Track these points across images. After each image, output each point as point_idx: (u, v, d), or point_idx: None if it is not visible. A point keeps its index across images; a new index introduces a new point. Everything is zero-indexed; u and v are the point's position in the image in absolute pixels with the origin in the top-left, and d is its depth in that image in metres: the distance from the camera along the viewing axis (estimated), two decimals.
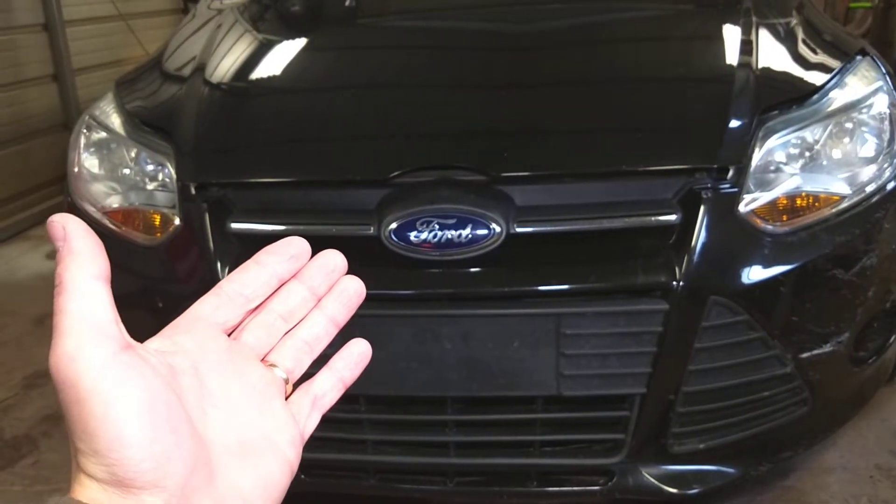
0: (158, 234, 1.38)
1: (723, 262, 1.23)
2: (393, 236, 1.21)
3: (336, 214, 1.28)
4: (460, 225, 1.20)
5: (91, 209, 1.46)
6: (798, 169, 1.31)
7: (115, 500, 0.33)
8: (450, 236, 1.20)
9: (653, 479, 1.31)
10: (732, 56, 1.44)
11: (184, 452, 0.34)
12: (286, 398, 0.42)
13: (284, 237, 0.45)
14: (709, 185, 1.24)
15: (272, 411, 0.40)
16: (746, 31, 1.51)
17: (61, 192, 1.65)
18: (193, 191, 1.34)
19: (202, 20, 1.93)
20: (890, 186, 1.33)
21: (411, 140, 1.41)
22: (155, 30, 4.34)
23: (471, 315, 1.23)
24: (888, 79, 1.45)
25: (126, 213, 1.43)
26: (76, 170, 1.52)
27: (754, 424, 1.32)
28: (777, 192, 1.27)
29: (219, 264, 1.28)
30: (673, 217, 1.22)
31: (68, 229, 0.35)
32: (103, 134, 1.53)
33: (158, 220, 1.39)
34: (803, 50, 1.53)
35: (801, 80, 1.43)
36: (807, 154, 1.32)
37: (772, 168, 1.29)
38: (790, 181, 1.29)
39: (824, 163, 1.32)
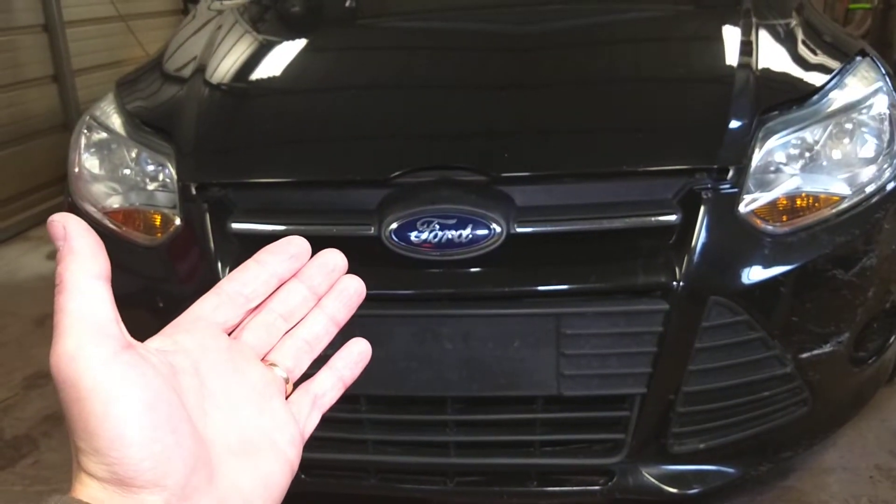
0: (159, 235, 1.38)
1: (723, 262, 1.23)
2: (393, 236, 1.21)
3: (337, 214, 1.28)
4: (461, 225, 1.20)
5: (92, 209, 1.46)
6: (798, 169, 1.31)
7: (116, 499, 0.33)
8: (450, 236, 1.20)
9: (653, 479, 1.31)
10: (732, 57, 1.45)
11: (184, 451, 0.34)
12: (286, 397, 0.42)
13: (285, 237, 0.45)
14: (709, 186, 1.24)
15: (272, 411, 0.40)
16: (746, 32, 1.51)
17: (61, 193, 1.65)
18: (194, 191, 1.34)
19: (202, 21, 1.93)
20: (890, 187, 1.33)
21: (412, 140, 1.41)
22: (155, 31, 4.34)
23: (471, 315, 1.23)
24: (888, 79, 1.45)
25: (127, 213, 1.43)
26: (77, 170, 1.52)
27: (754, 424, 1.32)
28: (777, 193, 1.28)
29: (219, 264, 1.28)
30: (673, 217, 1.22)
31: (69, 229, 0.35)
32: (104, 134, 1.54)
33: (159, 220, 1.39)
34: (803, 51, 1.53)
35: (801, 80, 1.43)
36: (807, 154, 1.32)
37: (772, 168, 1.29)
38: (790, 182, 1.29)
39: (824, 163, 1.32)
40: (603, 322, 1.21)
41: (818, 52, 1.54)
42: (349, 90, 1.57)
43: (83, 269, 0.34)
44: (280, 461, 0.39)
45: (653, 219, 1.22)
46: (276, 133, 1.46)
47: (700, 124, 1.35)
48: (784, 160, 1.30)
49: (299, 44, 1.78)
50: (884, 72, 1.47)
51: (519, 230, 1.21)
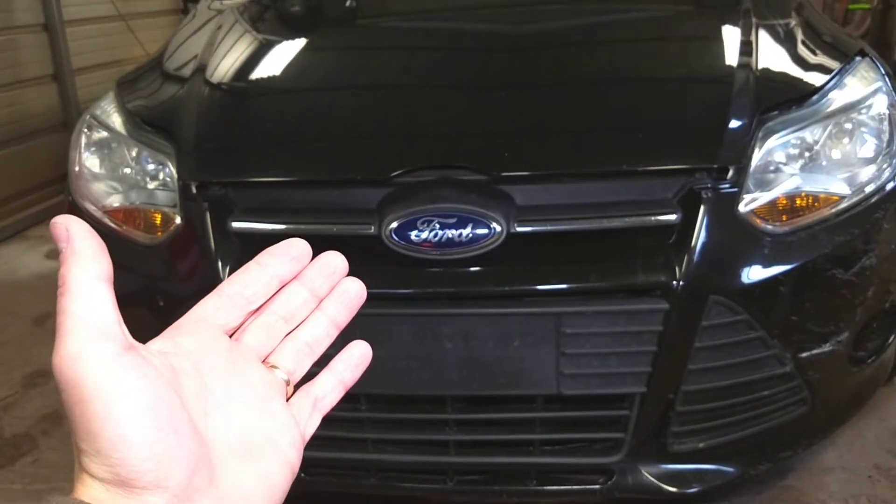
0: (159, 234, 1.38)
1: (723, 261, 1.23)
2: (394, 235, 1.21)
3: (337, 214, 1.28)
4: (461, 224, 1.20)
5: (92, 208, 1.47)
6: (798, 169, 1.31)
7: (118, 499, 0.33)
8: (450, 235, 1.20)
9: (652, 478, 1.31)
10: (732, 57, 1.45)
11: (186, 452, 0.34)
12: (287, 399, 0.42)
13: (285, 236, 0.45)
14: (709, 185, 1.24)
15: (273, 412, 0.40)
16: (746, 32, 1.51)
17: (61, 192, 1.65)
18: (194, 190, 1.34)
19: (202, 20, 1.93)
20: (889, 187, 1.33)
21: (412, 140, 1.41)
22: (155, 30, 4.34)
23: (471, 314, 1.23)
24: (887, 80, 1.45)
25: (127, 212, 1.43)
26: (77, 169, 1.53)
27: (754, 424, 1.33)
28: (777, 193, 1.28)
29: (220, 263, 1.28)
30: (673, 217, 1.22)
31: (71, 230, 0.35)
32: (104, 133, 1.54)
33: (159, 219, 1.39)
34: (803, 51, 1.53)
35: (800, 80, 1.43)
36: (806, 154, 1.32)
37: (771, 168, 1.29)
38: (790, 181, 1.29)
39: (824, 163, 1.32)
40: (603, 321, 1.21)
41: (818, 52, 1.54)
42: (349, 89, 1.57)
43: (85, 270, 0.34)
44: (281, 463, 0.39)
45: (653, 218, 1.22)
46: (277, 132, 1.46)
47: (700, 124, 1.36)
48: (784, 160, 1.30)
49: (299, 43, 1.78)
50: (883, 72, 1.47)
51: (519, 229, 1.21)
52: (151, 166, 1.44)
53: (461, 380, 1.25)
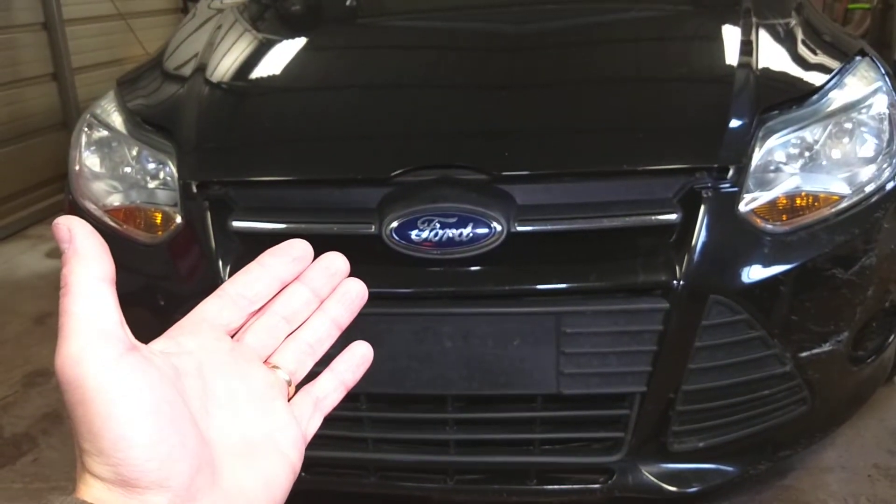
0: (160, 233, 1.38)
1: (723, 261, 1.24)
2: (394, 235, 1.21)
3: (337, 213, 1.28)
4: (461, 224, 1.20)
5: (92, 207, 1.47)
6: (798, 169, 1.31)
7: (120, 499, 0.33)
8: (451, 235, 1.20)
9: (652, 478, 1.32)
10: (732, 56, 1.45)
11: (188, 453, 0.34)
12: (288, 400, 0.42)
13: (286, 235, 0.45)
14: (709, 185, 1.24)
15: (275, 413, 0.40)
16: (746, 32, 1.51)
17: (60, 191, 1.65)
18: (195, 189, 1.34)
19: (202, 19, 1.93)
20: (889, 186, 1.33)
21: (412, 139, 1.41)
22: (154, 29, 4.34)
23: (471, 313, 1.23)
24: (887, 79, 1.45)
25: (127, 211, 1.44)
26: (77, 168, 1.53)
27: (754, 423, 1.33)
28: (777, 192, 1.28)
29: (220, 262, 1.28)
30: (673, 216, 1.22)
31: (74, 231, 0.35)
32: (104, 132, 1.54)
33: (160, 218, 1.39)
34: (803, 50, 1.53)
35: (800, 80, 1.43)
36: (806, 154, 1.32)
37: (772, 168, 1.29)
38: (790, 181, 1.29)
39: (824, 163, 1.32)
40: (603, 320, 1.21)
41: (818, 51, 1.54)
42: (350, 89, 1.57)
43: (88, 271, 0.35)
44: (282, 463, 0.39)
45: (653, 218, 1.23)
46: (277, 131, 1.46)
47: (700, 124, 1.36)
48: (784, 159, 1.31)
49: (299, 43, 1.78)
50: (883, 71, 1.48)
51: (519, 229, 1.21)
52: (152, 165, 1.44)
53: (461, 379, 1.25)
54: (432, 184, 1.24)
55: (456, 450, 1.32)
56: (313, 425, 0.43)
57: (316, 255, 0.45)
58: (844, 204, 1.29)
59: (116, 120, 1.55)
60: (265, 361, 0.43)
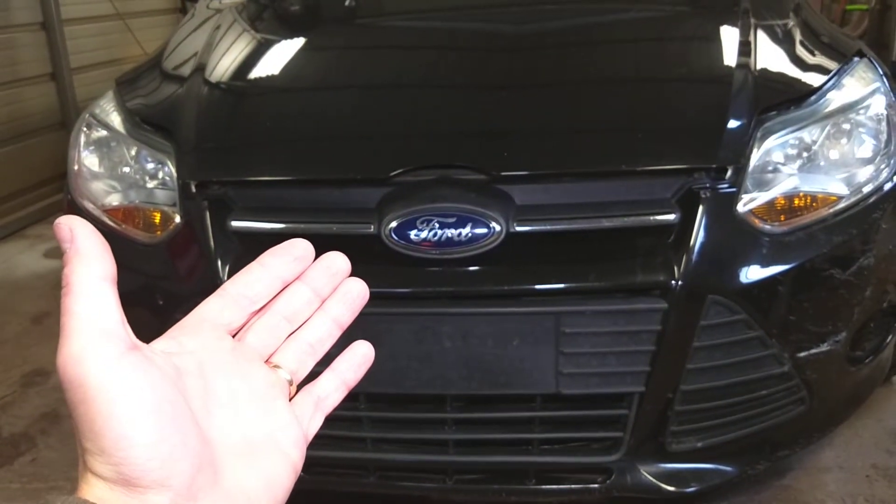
0: (159, 232, 1.38)
1: (721, 261, 1.24)
2: (393, 235, 1.21)
3: (337, 213, 1.28)
4: (460, 224, 1.20)
5: (91, 207, 1.47)
6: (796, 169, 1.31)
7: (122, 499, 0.33)
8: (450, 235, 1.20)
9: (651, 478, 1.32)
10: (731, 57, 1.45)
11: (189, 452, 0.35)
12: (290, 399, 0.42)
13: (285, 235, 0.45)
14: (707, 185, 1.24)
15: (276, 412, 0.41)
16: (745, 33, 1.51)
17: (59, 191, 1.66)
18: (194, 189, 1.34)
19: (201, 19, 1.93)
20: (887, 187, 1.34)
21: (412, 139, 1.41)
22: (152, 29, 4.34)
23: (471, 313, 1.24)
24: (885, 80, 1.46)
25: (126, 210, 1.44)
26: (76, 168, 1.53)
27: (752, 423, 1.33)
28: (775, 193, 1.28)
29: (219, 262, 1.28)
30: (672, 217, 1.22)
31: (75, 231, 0.35)
32: (103, 132, 1.54)
33: (158, 217, 1.39)
34: (801, 51, 1.53)
35: (798, 81, 1.43)
36: (804, 154, 1.32)
37: (770, 168, 1.30)
38: (788, 181, 1.29)
39: (822, 163, 1.32)
40: (602, 321, 1.22)
41: (816, 52, 1.54)
42: (349, 89, 1.57)
43: (89, 271, 0.35)
44: (284, 462, 0.39)
45: (651, 218, 1.23)
46: (276, 131, 1.46)
47: (698, 124, 1.36)
48: (782, 160, 1.31)
49: (298, 43, 1.78)
50: (881, 72, 1.48)
51: (518, 229, 1.21)
52: (151, 165, 1.44)
53: (460, 379, 1.25)
54: (431, 184, 1.24)
55: (455, 449, 1.32)
56: (314, 425, 0.43)
57: (315, 256, 0.46)
58: (842, 204, 1.30)
59: (115, 120, 1.55)
60: (266, 361, 0.43)
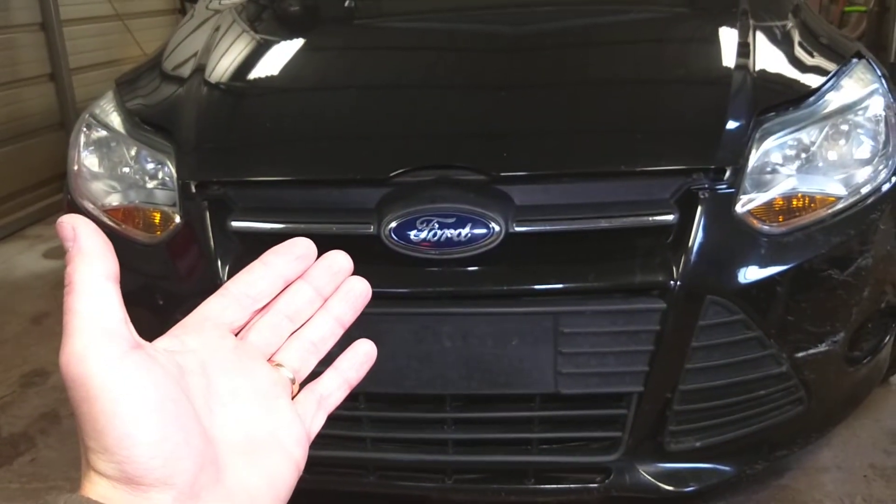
0: (158, 232, 1.38)
1: (719, 261, 1.24)
2: (393, 235, 1.22)
3: (336, 213, 1.28)
4: (460, 224, 1.21)
5: (91, 207, 1.47)
6: (794, 170, 1.32)
7: (125, 497, 0.33)
8: (449, 235, 1.21)
9: (649, 477, 1.32)
10: (730, 58, 1.45)
11: (192, 450, 0.35)
12: (292, 398, 0.42)
13: (285, 235, 0.45)
14: (706, 186, 1.25)
15: (279, 411, 0.41)
16: (743, 34, 1.52)
17: (58, 191, 1.66)
18: (194, 189, 1.34)
19: (200, 20, 1.93)
20: (885, 188, 1.34)
21: (411, 139, 1.42)
22: (152, 30, 4.34)
23: (470, 313, 1.24)
24: (883, 81, 1.46)
25: (126, 210, 1.44)
26: (76, 168, 1.53)
27: (750, 423, 1.33)
28: (773, 193, 1.28)
29: (219, 262, 1.28)
30: (670, 217, 1.22)
31: (78, 230, 0.35)
32: (103, 132, 1.54)
33: (158, 218, 1.39)
34: (800, 53, 1.54)
35: (797, 82, 1.44)
36: (803, 155, 1.33)
37: (768, 169, 1.30)
38: (786, 182, 1.30)
39: (820, 164, 1.33)
40: (601, 321, 1.22)
41: (815, 53, 1.55)
42: (348, 89, 1.57)
43: (92, 269, 0.35)
44: (286, 461, 0.39)
45: (650, 218, 1.23)
46: (276, 132, 1.46)
47: (697, 125, 1.36)
48: (780, 161, 1.31)
49: (297, 43, 1.78)
50: (879, 74, 1.48)
51: (518, 229, 1.21)
52: (151, 165, 1.44)
53: (460, 379, 1.25)
54: (431, 184, 1.25)
55: (454, 449, 1.33)
56: (317, 423, 0.43)
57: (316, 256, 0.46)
58: (840, 205, 1.30)
59: (115, 120, 1.55)
60: (269, 359, 0.43)
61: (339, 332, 0.45)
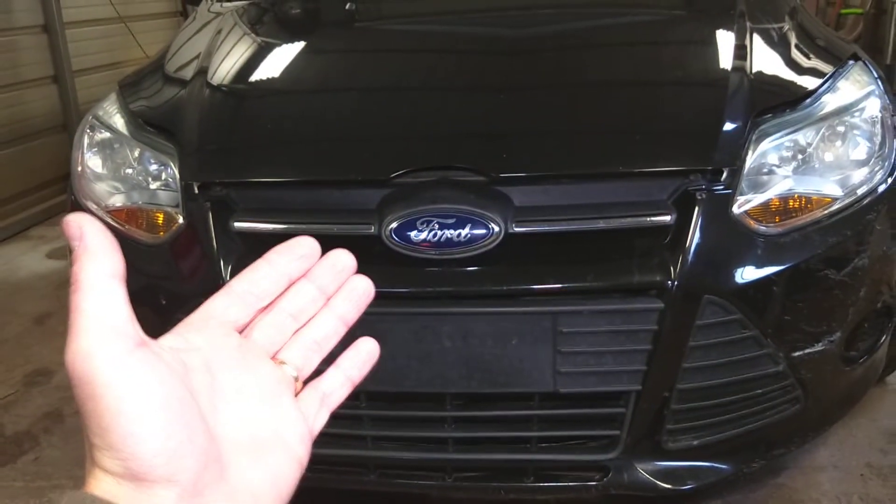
0: (161, 233, 1.39)
1: (717, 261, 1.25)
2: (393, 235, 1.22)
3: (337, 213, 1.29)
4: (459, 224, 1.22)
5: (94, 208, 1.48)
6: (791, 171, 1.32)
7: (129, 493, 0.34)
8: (449, 235, 1.22)
9: (647, 475, 1.33)
10: (727, 60, 1.46)
11: (196, 448, 0.35)
12: (295, 395, 0.42)
13: (287, 236, 0.45)
14: (703, 187, 1.26)
15: (282, 408, 0.41)
16: (741, 36, 1.53)
17: (61, 193, 1.67)
18: (196, 190, 1.35)
19: (202, 23, 1.94)
20: (881, 189, 1.35)
21: (412, 141, 1.43)
22: (154, 32, 4.35)
23: (470, 313, 1.25)
24: (879, 83, 1.47)
25: (129, 211, 1.45)
26: (80, 169, 1.54)
27: (747, 422, 1.34)
28: (770, 194, 1.29)
29: (221, 263, 1.29)
30: (668, 218, 1.23)
31: (84, 228, 0.35)
32: (107, 134, 1.55)
33: (161, 218, 1.41)
34: (796, 54, 1.55)
35: (794, 83, 1.45)
36: (799, 157, 1.34)
37: (765, 170, 1.31)
38: (783, 183, 1.31)
39: (817, 165, 1.34)
40: (599, 320, 1.23)
41: (811, 55, 1.56)
42: (349, 91, 1.58)
43: (98, 268, 0.35)
44: (289, 458, 0.40)
45: (648, 219, 1.24)
46: (278, 133, 1.47)
47: (695, 126, 1.37)
48: (777, 162, 1.32)
49: (299, 45, 1.79)
50: (875, 76, 1.49)
51: (517, 230, 1.22)
52: (154, 166, 1.45)
53: (460, 378, 1.26)
54: (431, 185, 1.26)
55: (454, 447, 1.34)
56: (320, 421, 0.43)
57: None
58: (837, 206, 1.31)
59: (118, 121, 1.56)
60: (272, 357, 0.43)
61: (343, 331, 0.45)
